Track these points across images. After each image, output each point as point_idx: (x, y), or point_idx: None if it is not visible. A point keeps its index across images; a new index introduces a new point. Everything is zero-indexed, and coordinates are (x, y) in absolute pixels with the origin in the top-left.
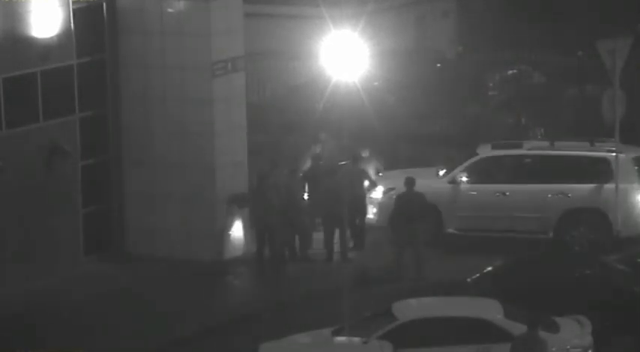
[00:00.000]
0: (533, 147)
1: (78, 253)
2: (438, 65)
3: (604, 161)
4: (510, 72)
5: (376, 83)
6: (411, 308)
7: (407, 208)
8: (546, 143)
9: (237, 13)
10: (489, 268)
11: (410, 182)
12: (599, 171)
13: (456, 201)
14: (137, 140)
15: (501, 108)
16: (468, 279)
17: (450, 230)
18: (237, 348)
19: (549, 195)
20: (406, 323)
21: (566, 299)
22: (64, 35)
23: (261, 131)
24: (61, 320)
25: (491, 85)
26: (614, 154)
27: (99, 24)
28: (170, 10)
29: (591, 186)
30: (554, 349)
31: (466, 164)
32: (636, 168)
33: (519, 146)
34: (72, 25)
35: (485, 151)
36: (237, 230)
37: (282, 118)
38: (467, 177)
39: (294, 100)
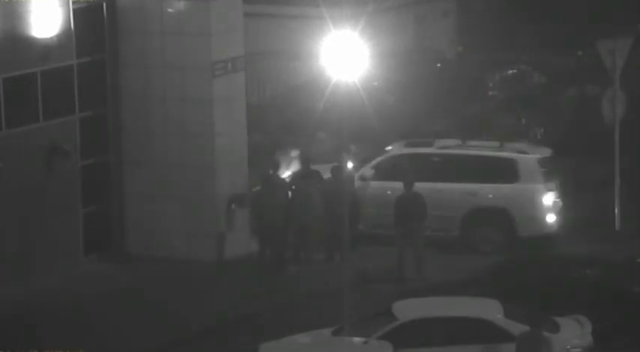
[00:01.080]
0: (444, 146)
1: (78, 253)
2: (438, 65)
3: (510, 162)
4: (510, 72)
5: (376, 83)
6: (411, 308)
7: (407, 208)
8: (458, 141)
9: (237, 13)
10: (488, 268)
11: (409, 183)
12: (505, 172)
13: (365, 197)
14: (137, 140)
15: (501, 108)
16: (468, 279)
17: (360, 227)
18: (237, 348)
19: (456, 194)
20: (406, 323)
21: (566, 299)
22: (64, 35)
23: (261, 131)
24: (61, 320)
25: (491, 85)
26: (521, 155)
27: (99, 24)
28: (170, 10)
29: (497, 186)
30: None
31: (376, 161)
32: (542, 169)
33: (430, 144)
34: (72, 25)
35: (396, 149)
36: (237, 230)
37: (282, 118)
38: (376, 174)
39: (294, 100)
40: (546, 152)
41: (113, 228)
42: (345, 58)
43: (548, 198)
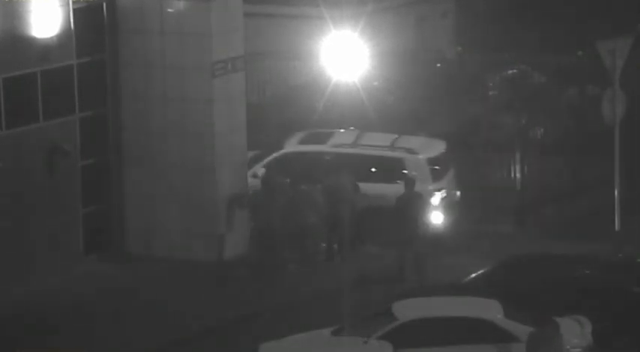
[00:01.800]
0: (337, 144)
1: (78, 253)
2: (438, 65)
3: (398, 161)
4: (510, 72)
5: (376, 83)
6: (411, 308)
7: (407, 208)
8: (353, 135)
9: (237, 13)
10: (489, 268)
11: (410, 183)
12: (394, 171)
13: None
14: (137, 140)
15: (501, 108)
16: (467, 280)
17: (252, 225)
18: (237, 348)
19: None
20: (406, 323)
21: (566, 299)
22: (64, 35)
23: (261, 131)
24: (62, 320)
25: (491, 84)
26: (408, 155)
27: (99, 24)
28: (170, 10)
29: (387, 185)
30: None
31: (268, 158)
32: (431, 168)
33: (324, 141)
34: (72, 25)
35: (290, 146)
36: (237, 230)
37: (282, 118)
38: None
39: (294, 100)
40: (440, 148)
41: (113, 228)
42: (345, 58)
43: (436, 198)
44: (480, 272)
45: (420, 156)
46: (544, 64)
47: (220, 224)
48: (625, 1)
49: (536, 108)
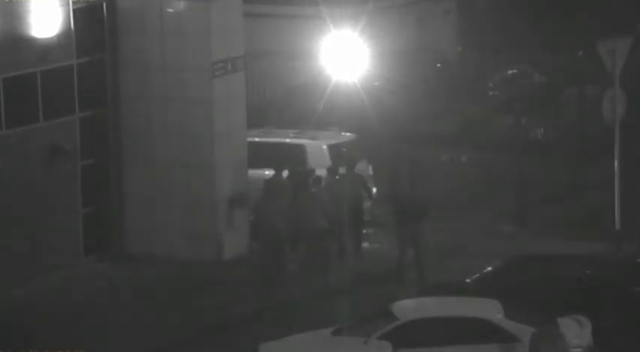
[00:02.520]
0: (254, 135)
1: (78, 253)
2: (438, 65)
3: (299, 147)
4: (510, 72)
5: (376, 83)
6: (411, 308)
7: (409, 208)
8: (268, 130)
9: (237, 13)
10: (489, 268)
11: (410, 182)
12: (296, 158)
13: None
14: (137, 140)
15: (501, 108)
16: (468, 280)
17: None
18: (237, 348)
19: (255, 180)
20: (406, 323)
21: (566, 299)
22: (64, 35)
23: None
24: (62, 320)
25: (491, 85)
26: (309, 141)
27: (99, 24)
28: (170, 10)
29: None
30: None
31: None
32: (330, 155)
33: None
34: (72, 25)
35: None
36: (237, 230)
37: (282, 118)
38: None
39: (294, 101)
40: (346, 138)
41: (113, 228)
42: (345, 58)
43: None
44: (480, 272)
45: (320, 143)
46: (544, 64)
47: (220, 224)
48: (625, 1)
49: (536, 108)
